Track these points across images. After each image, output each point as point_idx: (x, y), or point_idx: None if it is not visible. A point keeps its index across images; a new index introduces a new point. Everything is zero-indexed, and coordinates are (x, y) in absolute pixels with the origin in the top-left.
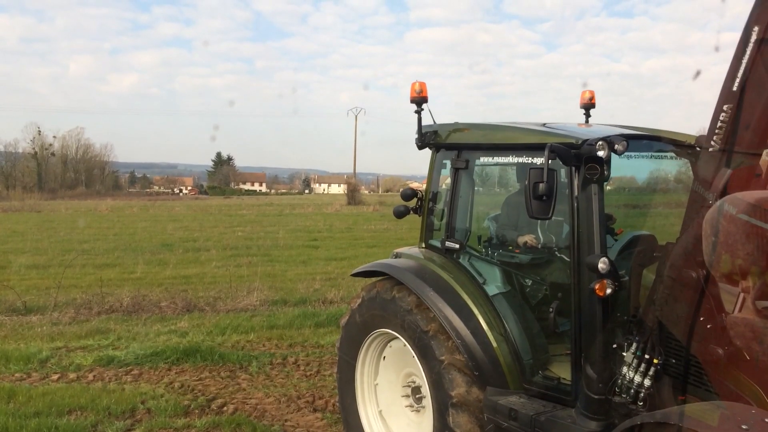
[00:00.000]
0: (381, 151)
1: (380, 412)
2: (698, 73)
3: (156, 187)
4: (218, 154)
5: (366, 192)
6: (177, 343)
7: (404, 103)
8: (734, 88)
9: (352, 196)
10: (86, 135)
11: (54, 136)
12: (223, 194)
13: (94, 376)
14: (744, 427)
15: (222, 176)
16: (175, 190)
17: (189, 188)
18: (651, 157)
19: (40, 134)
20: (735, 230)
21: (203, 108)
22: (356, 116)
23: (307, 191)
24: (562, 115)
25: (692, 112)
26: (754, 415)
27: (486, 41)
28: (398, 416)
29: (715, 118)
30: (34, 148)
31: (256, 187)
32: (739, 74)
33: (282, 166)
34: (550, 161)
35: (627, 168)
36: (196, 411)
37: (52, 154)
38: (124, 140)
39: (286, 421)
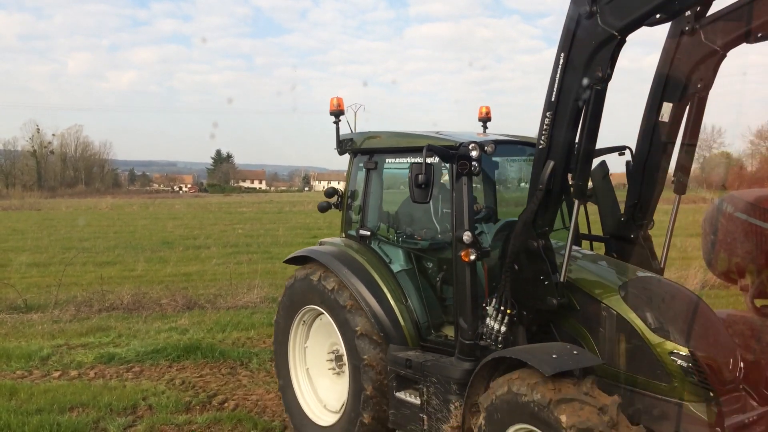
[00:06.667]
0: None
1: (307, 369)
2: None
3: (156, 185)
4: (218, 152)
5: None
6: (178, 341)
7: (404, 99)
8: (552, 99)
9: None
10: (85, 133)
11: (53, 134)
12: (223, 192)
13: (96, 373)
14: (554, 356)
15: (222, 174)
16: (175, 187)
17: (189, 186)
18: (526, 160)
19: (38, 132)
20: (734, 229)
21: (202, 105)
22: (356, 113)
23: (306, 188)
24: None
25: None
26: (561, 345)
27: (486, 36)
28: (324, 379)
29: (542, 122)
30: (33, 146)
31: (256, 184)
32: (555, 89)
33: (282, 163)
34: (428, 159)
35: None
36: (197, 407)
37: (51, 152)
38: (123, 138)
39: (286, 417)
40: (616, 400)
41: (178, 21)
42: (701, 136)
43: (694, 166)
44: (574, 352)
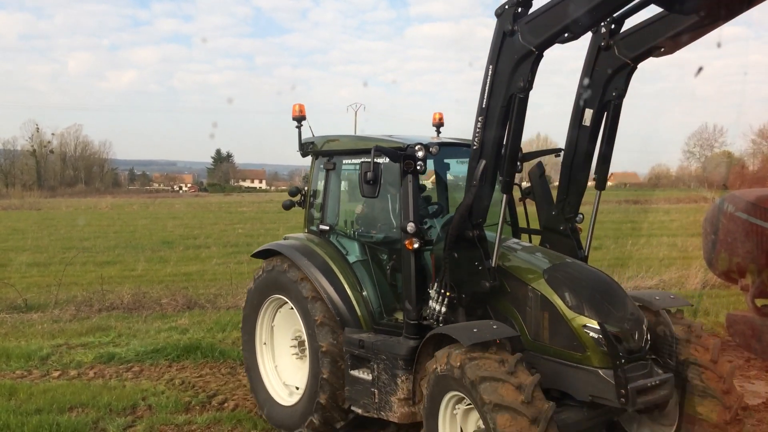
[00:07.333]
0: None
1: (273, 355)
2: (700, 69)
3: (156, 185)
4: (218, 151)
5: None
6: (177, 340)
7: (404, 99)
8: (483, 105)
9: None
10: (85, 132)
11: (52, 134)
12: (223, 191)
13: (95, 373)
14: (475, 330)
15: (222, 173)
16: (175, 187)
17: (189, 185)
18: None
19: (38, 131)
20: (734, 228)
21: (203, 105)
22: (356, 112)
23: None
24: (562, 110)
25: (693, 107)
26: (485, 322)
27: (487, 36)
28: (286, 360)
29: (475, 126)
30: (32, 146)
31: (256, 184)
32: (484, 97)
33: (282, 162)
34: (377, 159)
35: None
36: (197, 407)
37: (51, 151)
38: (123, 137)
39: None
40: (517, 356)
41: (178, 21)
42: (703, 135)
43: (696, 165)
44: (494, 327)
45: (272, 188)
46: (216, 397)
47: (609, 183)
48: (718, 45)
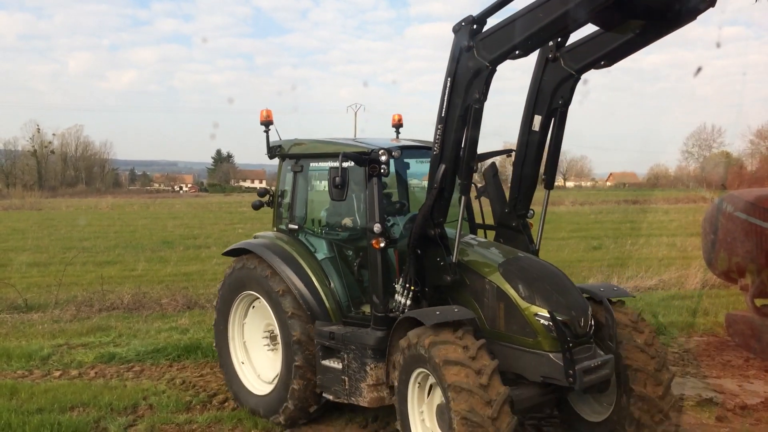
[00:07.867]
0: None
1: (245, 348)
2: (699, 70)
3: (156, 185)
4: (218, 152)
5: None
6: (178, 340)
7: (404, 99)
8: (443, 114)
9: None
10: (85, 132)
11: (53, 134)
12: (223, 191)
13: (96, 372)
14: (438, 313)
15: (222, 173)
16: (176, 187)
17: (189, 186)
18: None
19: (39, 132)
20: (734, 228)
21: (203, 105)
22: (356, 113)
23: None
24: None
25: (694, 107)
26: (447, 306)
27: None
28: (259, 354)
29: (435, 133)
30: (33, 146)
31: (256, 184)
32: (444, 107)
33: None
34: (344, 164)
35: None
36: (198, 407)
37: (52, 152)
38: (123, 137)
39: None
40: (480, 343)
41: (178, 21)
42: (701, 135)
43: (694, 165)
44: (455, 310)
45: (272, 188)
46: (216, 396)
47: (608, 183)
48: (718, 45)
